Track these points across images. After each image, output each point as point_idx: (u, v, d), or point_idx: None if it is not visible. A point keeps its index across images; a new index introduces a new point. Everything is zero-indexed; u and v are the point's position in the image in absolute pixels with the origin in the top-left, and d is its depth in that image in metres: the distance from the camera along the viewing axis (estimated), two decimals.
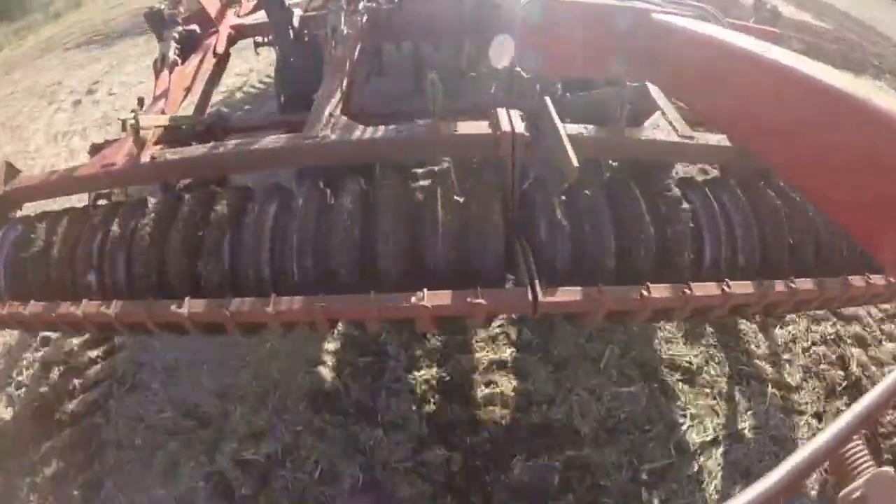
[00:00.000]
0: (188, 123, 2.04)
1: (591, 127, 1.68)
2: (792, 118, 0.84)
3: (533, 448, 2.09)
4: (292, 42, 2.53)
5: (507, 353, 2.44)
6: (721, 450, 2.13)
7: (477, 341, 2.49)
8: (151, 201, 1.66)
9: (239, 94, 5.28)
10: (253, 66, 5.66)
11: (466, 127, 1.62)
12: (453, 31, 2.95)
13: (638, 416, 2.20)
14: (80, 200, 1.92)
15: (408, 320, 1.59)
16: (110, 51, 7.22)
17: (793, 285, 1.53)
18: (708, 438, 2.16)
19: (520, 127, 1.56)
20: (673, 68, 1.30)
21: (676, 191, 1.63)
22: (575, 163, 1.38)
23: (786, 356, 2.51)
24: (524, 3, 1.38)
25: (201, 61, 2.47)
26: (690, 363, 2.41)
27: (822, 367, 2.48)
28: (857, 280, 1.59)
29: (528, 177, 1.71)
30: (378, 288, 1.43)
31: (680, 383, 2.35)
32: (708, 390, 2.33)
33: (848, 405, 0.86)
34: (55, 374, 2.51)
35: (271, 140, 1.69)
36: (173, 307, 1.44)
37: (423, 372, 2.36)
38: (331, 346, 2.48)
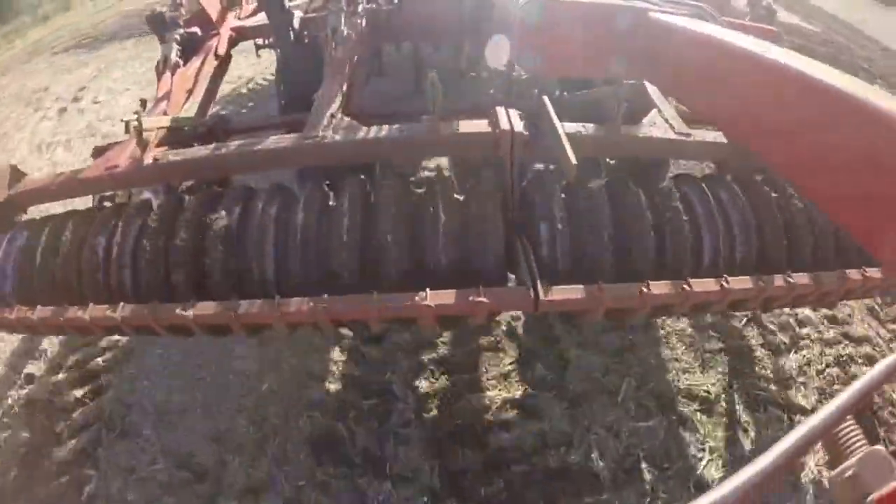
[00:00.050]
0: (190, 125, 2.06)
1: (588, 125, 1.70)
2: (791, 118, 0.85)
3: (551, 495, 1.98)
4: (293, 44, 2.54)
5: (520, 391, 2.31)
6: None
7: (488, 379, 2.37)
8: (155, 203, 1.68)
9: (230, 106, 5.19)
10: (242, 73, 5.59)
11: (466, 126, 1.64)
12: (453, 32, 2.96)
13: (657, 451, 2.12)
14: (78, 202, 1.91)
15: (410, 320, 1.61)
16: (98, 54, 7.19)
17: (791, 280, 1.54)
18: (727, 472, 2.09)
19: (519, 126, 1.57)
20: (672, 68, 1.32)
21: (674, 189, 1.65)
22: (573, 161, 1.40)
23: (801, 379, 2.47)
24: (523, 4, 1.39)
25: (202, 63, 2.48)
26: (708, 392, 2.35)
27: (835, 387, 2.46)
28: (853, 273, 1.60)
29: (527, 176, 1.73)
30: (380, 288, 1.44)
31: (698, 413, 2.28)
32: (725, 420, 2.27)
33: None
34: (40, 415, 2.38)
35: (273, 140, 1.71)
36: (179, 310, 1.46)
37: (432, 414, 2.23)
38: (332, 386, 2.36)
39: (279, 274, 1.53)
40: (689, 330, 2.62)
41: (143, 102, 2.08)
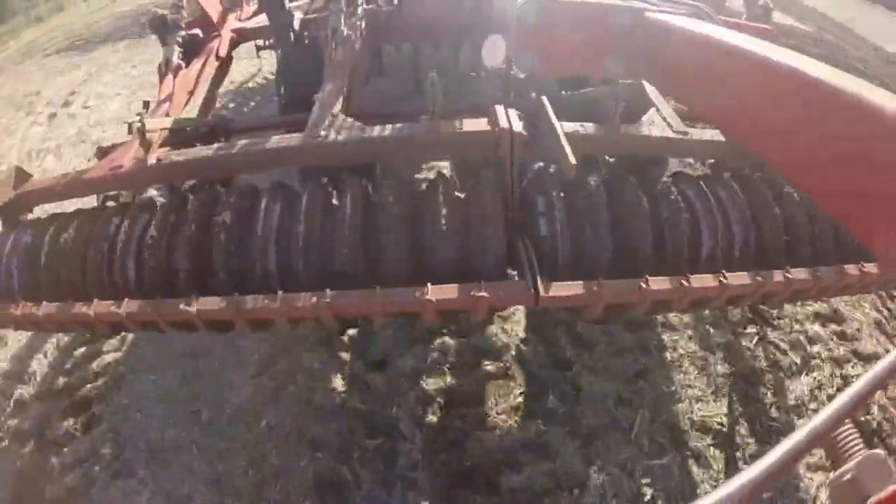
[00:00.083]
0: (192, 125, 2.08)
1: (587, 124, 1.71)
2: (787, 115, 0.86)
3: None
4: (293, 44, 2.56)
5: (532, 426, 2.19)
6: None
7: (498, 413, 2.26)
8: (159, 202, 1.70)
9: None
10: (234, 79, 5.43)
11: (466, 126, 1.65)
12: (452, 33, 2.98)
13: (672, 492, 2.06)
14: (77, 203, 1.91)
15: (413, 314, 1.62)
16: (90, 57, 7.18)
17: (789, 275, 1.56)
18: None
19: (518, 125, 1.59)
20: (669, 67, 1.33)
21: (672, 186, 1.67)
22: (572, 160, 1.41)
23: (812, 406, 2.42)
24: (521, 4, 1.41)
25: (204, 65, 2.50)
26: (721, 424, 2.29)
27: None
28: (851, 269, 1.62)
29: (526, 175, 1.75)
30: (382, 284, 1.46)
31: (711, 448, 2.21)
32: (738, 453, 2.21)
33: (869, 448, 0.88)
34: (30, 447, 2.28)
35: (274, 140, 1.72)
36: (182, 305, 1.48)
37: (440, 455, 2.10)
38: (335, 423, 2.22)
39: (282, 270, 1.55)
40: (701, 352, 2.55)
41: (146, 104, 2.10)
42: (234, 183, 1.95)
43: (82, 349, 2.72)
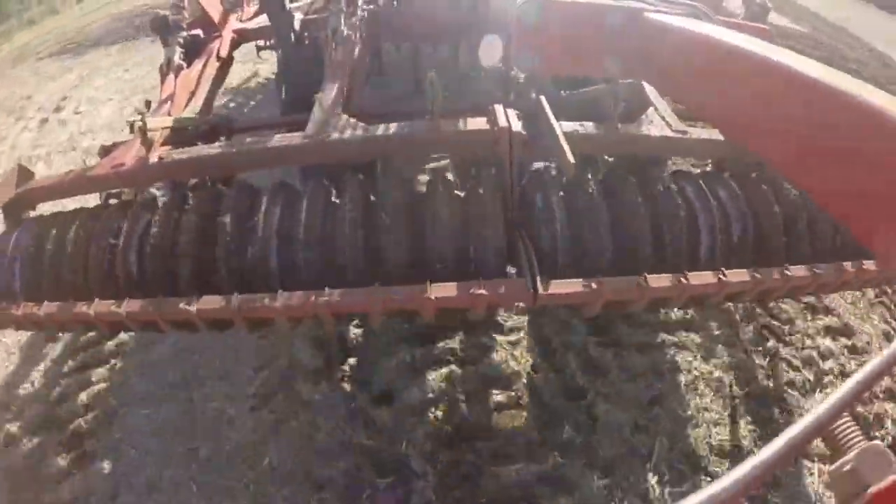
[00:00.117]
0: (193, 125, 2.09)
1: (586, 124, 1.72)
2: (785, 115, 0.86)
3: None
4: (293, 45, 2.57)
5: (549, 461, 2.10)
6: None
7: (512, 445, 2.16)
8: (161, 200, 1.71)
9: None
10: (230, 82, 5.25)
11: (465, 125, 1.67)
12: (452, 32, 2.99)
13: None
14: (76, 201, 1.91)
15: (412, 312, 1.63)
16: (82, 60, 7.12)
17: (787, 273, 1.57)
18: None
19: (517, 125, 1.60)
20: (668, 67, 1.34)
21: (671, 184, 1.68)
22: (571, 159, 1.43)
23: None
24: (520, 4, 1.42)
25: (205, 65, 2.52)
26: (739, 447, 2.24)
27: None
28: (849, 266, 1.63)
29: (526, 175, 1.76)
30: (382, 283, 1.47)
31: None
32: None
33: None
34: (23, 485, 2.19)
35: (275, 139, 1.74)
36: (182, 304, 1.49)
37: (455, 492, 2.00)
38: (342, 463, 2.11)
39: (283, 268, 1.56)
40: (716, 373, 2.51)
41: (148, 103, 2.11)
42: (235, 182, 1.96)
43: (69, 379, 2.60)
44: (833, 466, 0.76)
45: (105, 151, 1.92)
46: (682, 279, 1.49)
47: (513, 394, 2.34)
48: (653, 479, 2.08)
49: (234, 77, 5.41)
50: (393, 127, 1.70)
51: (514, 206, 1.64)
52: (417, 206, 1.62)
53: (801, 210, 1.70)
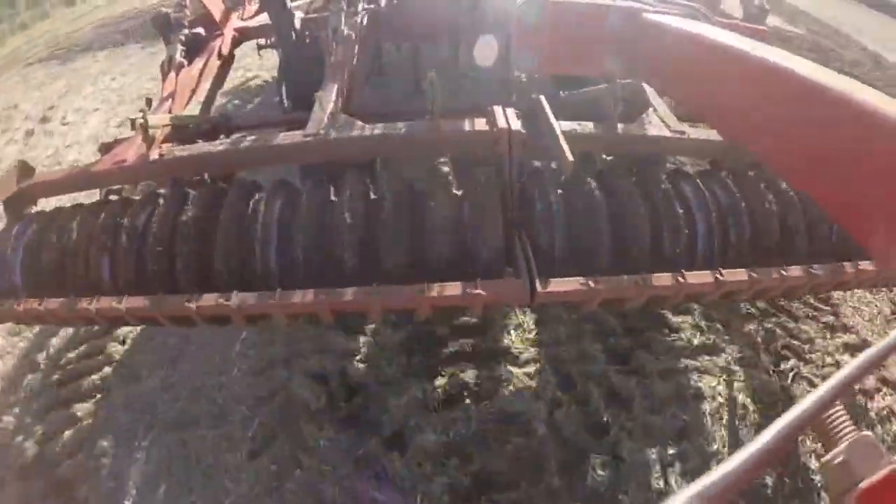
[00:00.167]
0: (194, 122, 2.10)
1: (585, 123, 1.73)
2: (782, 115, 0.87)
3: None
4: (294, 43, 2.58)
5: None
6: None
7: (534, 498, 2.01)
8: (161, 197, 1.71)
9: None
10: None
11: (465, 125, 1.67)
12: (452, 32, 3.00)
13: None
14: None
15: (409, 310, 1.64)
16: (71, 67, 7.00)
17: (784, 272, 1.57)
18: None
19: (516, 124, 1.61)
20: (666, 67, 1.34)
21: (669, 184, 1.69)
22: (570, 157, 1.43)
23: None
24: (520, 4, 1.43)
25: (206, 63, 2.52)
26: (766, 485, 2.10)
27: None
28: (846, 266, 1.63)
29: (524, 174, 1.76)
30: (379, 281, 1.48)
31: None
32: None
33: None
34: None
35: (276, 138, 1.74)
36: (182, 302, 1.49)
37: None
38: None
39: (282, 266, 1.57)
40: (740, 398, 2.39)
41: (149, 101, 2.12)
42: (235, 179, 1.97)
43: (53, 413, 2.40)
44: (824, 459, 0.76)
45: (106, 148, 1.92)
46: (680, 278, 1.50)
47: (532, 432, 2.18)
48: None
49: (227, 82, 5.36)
50: (393, 127, 1.71)
51: (513, 205, 1.64)
52: (417, 205, 1.62)
53: (800, 209, 1.71)
